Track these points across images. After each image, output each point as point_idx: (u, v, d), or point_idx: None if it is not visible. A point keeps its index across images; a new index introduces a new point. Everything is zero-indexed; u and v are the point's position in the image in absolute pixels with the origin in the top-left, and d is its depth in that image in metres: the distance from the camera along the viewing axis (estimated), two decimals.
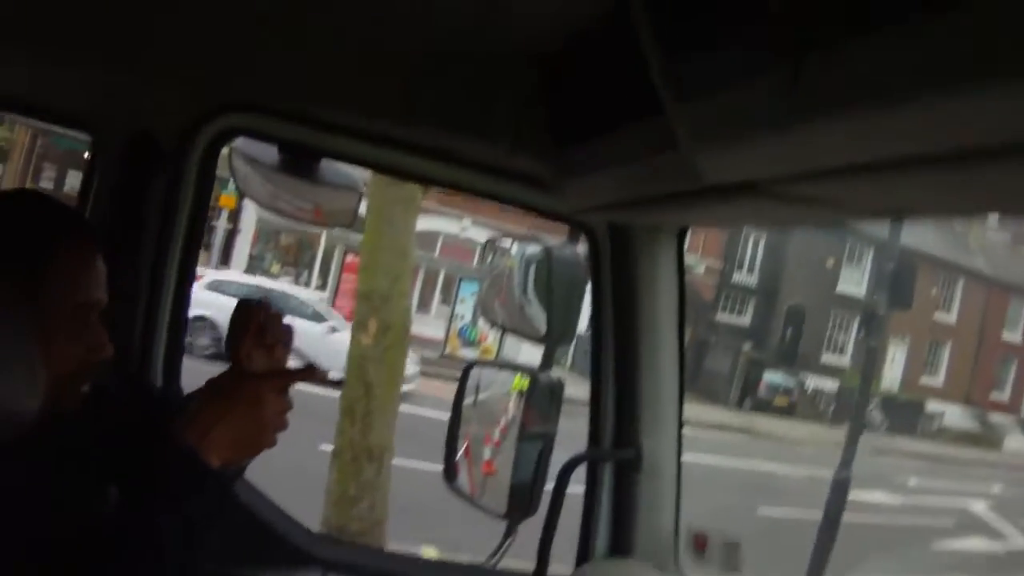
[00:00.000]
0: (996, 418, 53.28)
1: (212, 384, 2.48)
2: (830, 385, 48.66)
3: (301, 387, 2.56)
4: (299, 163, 3.50)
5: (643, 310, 3.42)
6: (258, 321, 2.59)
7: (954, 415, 51.26)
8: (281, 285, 35.02)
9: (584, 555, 3.59)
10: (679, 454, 3.52)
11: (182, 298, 3.54)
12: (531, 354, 3.61)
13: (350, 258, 33.24)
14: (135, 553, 2.22)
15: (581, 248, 3.50)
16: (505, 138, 3.03)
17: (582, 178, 2.70)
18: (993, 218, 53.70)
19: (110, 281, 2.45)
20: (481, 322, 35.56)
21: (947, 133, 1.24)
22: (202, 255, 35.25)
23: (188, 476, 2.30)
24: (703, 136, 1.74)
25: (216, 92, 3.34)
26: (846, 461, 17.98)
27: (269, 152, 3.49)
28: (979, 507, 28.72)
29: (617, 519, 3.55)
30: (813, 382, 49.34)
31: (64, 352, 2.30)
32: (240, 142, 3.55)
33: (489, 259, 3.82)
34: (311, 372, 2.56)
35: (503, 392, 3.75)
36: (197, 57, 3.04)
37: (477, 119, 3.05)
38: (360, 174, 4.00)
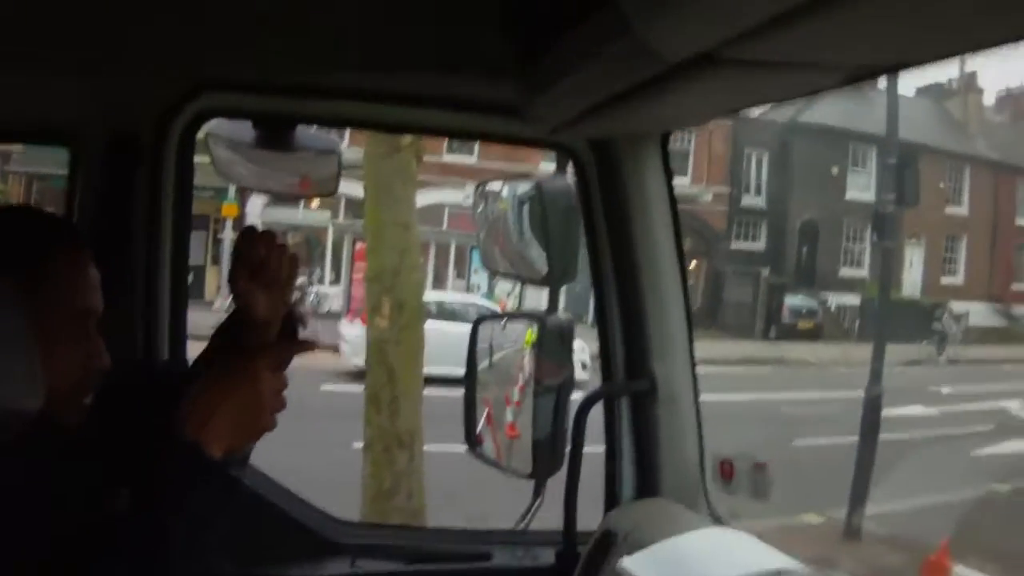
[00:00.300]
0: (1021, 311, 53.17)
1: (207, 369, 2.47)
2: (853, 300, 48.70)
3: (325, 387, 2.51)
4: (275, 135, 3.44)
5: (637, 226, 3.34)
6: (259, 255, 2.56)
7: (979, 313, 51.11)
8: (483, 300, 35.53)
9: (612, 501, 3.52)
10: (695, 379, 3.44)
11: (179, 296, 3.50)
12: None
13: (359, 246, 33.31)
14: (139, 555, 2.20)
15: (572, 178, 3.41)
16: (471, 70, 2.96)
17: (551, 92, 2.61)
18: (990, 98, 53.45)
19: (105, 285, 2.45)
20: (499, 289, 35.69)
21: None
22: (213, 269, 35.61)
23: (191, 470, 2.25)
24: (647, 8, 1.68)
25: (181, 78, 3.27)
26: (875, 376, 17.93)
27: (246, 132, 3.43)
28: (1015, 405, 28.69)
29: (640, 458, 3.48)
30: (835, 299, 49.38)
31: (65, 360, 2.29)
32: (216, 128, 3.49)
33: (481, 206, 3.72)
34: (305, 345, 2.51)
35: (517, 348, 3.68)
36: (157, 47, 2.96)
37: (438, 55, 2.97)
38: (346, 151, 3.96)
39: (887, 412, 17.93)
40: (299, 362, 2.55)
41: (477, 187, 3.79)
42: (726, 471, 3.33)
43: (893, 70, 1.93)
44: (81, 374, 2.35)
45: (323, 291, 40.48)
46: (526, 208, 3.34)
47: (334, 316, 36.24)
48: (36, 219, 2.45)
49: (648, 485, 3.45)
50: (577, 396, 3.36)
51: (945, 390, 31.53)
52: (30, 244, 2.32)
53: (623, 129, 3.14)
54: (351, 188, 3.37)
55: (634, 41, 1.76)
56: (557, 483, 3.44)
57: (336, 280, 41.81)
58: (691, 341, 3.44)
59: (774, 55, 1.69)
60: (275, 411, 2.38)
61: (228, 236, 37.77)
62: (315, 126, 3.66)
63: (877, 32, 1.53)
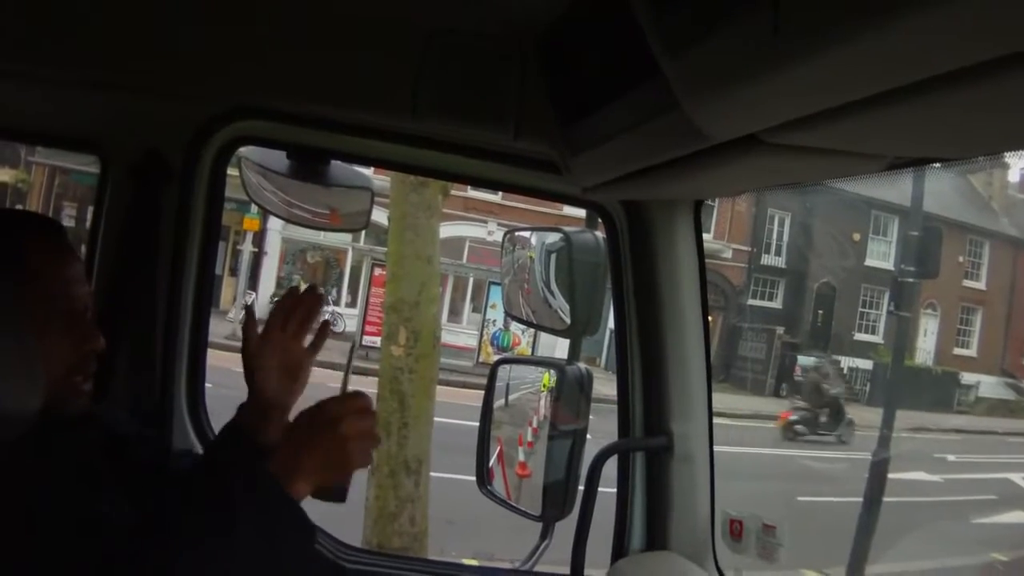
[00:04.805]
0: None
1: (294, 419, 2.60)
2: (865, 364, 48.25)
3: None
4: (309, 167, 3.46)
5: (664, 288, 3.36)
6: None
7: (989, 385, 50.61)
8: None
9: (620, 551, 3.53)
10: (711, 438, 3.44)
11: (201, 316, 3.54)
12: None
13: (378, 272, 33.16)
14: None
15: (600, 233, 3.43)
16: (510, 123, 2.98)
17: (590, 153, 2.64)
18: (1015, 175, 52.86)
19: (129, 293, 2.48)
20: (514, 326, 35.50)
21: (940, 54, 1.20)
22: (230, 280, 35.53)
23: (276, 512, 2.41)
24: (698, 90, 1.71)
25: (218, 101, 3.30)
26: (883, 442, 17.81)
27: (279, 160, 3.45)
28: (1019, 479, 28.48)
29: (651, 511, 3.48)
30: (848, 362, 48.89)
31: (56, 347, 2.36)
32: (249, 152, 3.52)
33: (509, 253, 3.74)
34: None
35: (533, 390, 3.70)
36: (198, 69, 3.00)
37: (481, 106, 3.00)
38: (375, 178, 3.96)
39: (891, 475, 17.84)
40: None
41: (506, 234, 3.81)
42: (735, 530, 3.34)
43: (933, 162, 1.95)
44: (76, 358, 2.42)
45: (339, 311, 40.37)
46: (553, 258, 3.36)
47: (348, 337, 36.22)
48: (15, 218, 2.56)
49: (657, 538, 3.45)
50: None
51: (951, 458, 31.35)
52: (12, 242, 2.39)
53: (658, 195, 3.15)
54: (374, 215, 3.38)
55: (680, 118, 1.78)
56: (564, 523, 3.46)
57: (352, 303, 41.60)
58: (710, 402, 3.44)
59: (817, 142, 1.72)
60: (366, 448, 2.59)
61: (247, 248, 37.75)
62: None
63: (920, 128, 1.55)
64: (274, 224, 37.75)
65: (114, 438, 2.67)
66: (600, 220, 3.50)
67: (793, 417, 30.92)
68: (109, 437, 2.64)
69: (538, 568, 3.67)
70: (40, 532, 2.16)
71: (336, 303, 41.67)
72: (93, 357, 2.48)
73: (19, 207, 34.55)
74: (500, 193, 37.11)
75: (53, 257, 2.44)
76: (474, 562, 10.76)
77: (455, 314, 41.38)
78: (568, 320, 3.27)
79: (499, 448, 3.63)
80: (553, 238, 3.39)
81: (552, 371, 3.48)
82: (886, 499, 17.07)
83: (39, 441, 2.24)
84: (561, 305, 3.29)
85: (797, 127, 1.61)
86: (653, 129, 2.09)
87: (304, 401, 2.72)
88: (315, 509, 3.67)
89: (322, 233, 36.47)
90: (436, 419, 11.61)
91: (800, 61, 1.33)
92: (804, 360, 45.64)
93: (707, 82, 1.66)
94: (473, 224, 41.12)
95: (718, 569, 3.44)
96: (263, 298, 38.55)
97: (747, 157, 1.89)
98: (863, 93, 1.39)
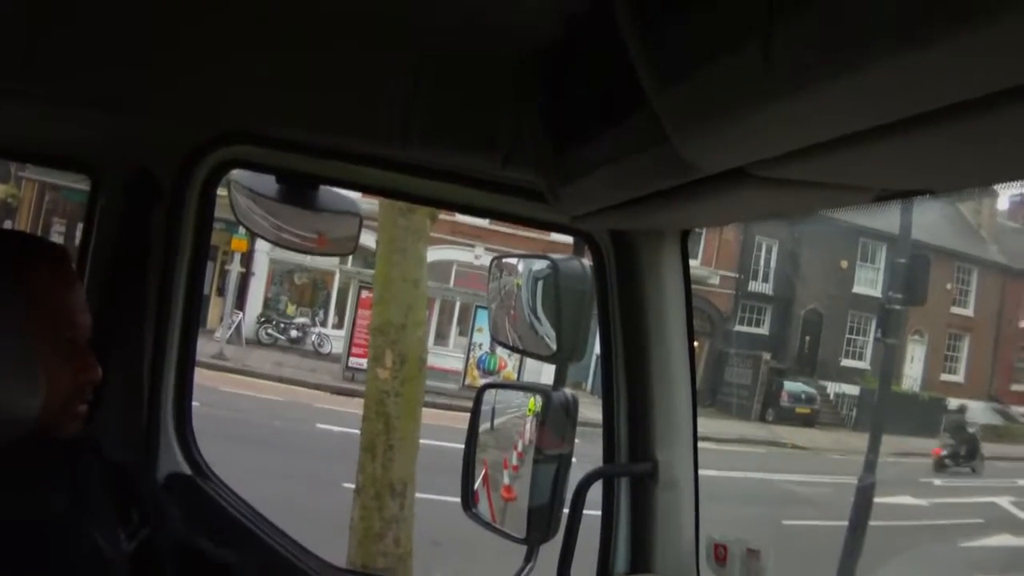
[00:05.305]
0: (1019, 410, 52.58)
1: None
2: (851, 390, 48.26)
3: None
4: (298, 192, 3.48)
5: (651, 317, 3.36)
6: None
7: (976, 410, 50.61)
8: None
9: (604, 575, 3.53)
10: (695, 464, 3.45)
11: (189, 336, 3.55)
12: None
13: (365, 294, 33.22)
14: None
15: (587, 261, 3.44)
16: (499, 151, 2.99)
17: (578, 182, 2.64)
18: (1004, 203, 52.87)
19: (118, 312, 2.47)
20: (500, 350, 35.50)
21: (928, 90, 1.22)
22: (217, 300, 35.56)
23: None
24: (687, 123, 1.72)
25: (209, 125, 3.31)
26: (869, 466, 17.85)
27: (268, 184, 3.46)
28: (1006, 502, 28.55)
29: (636, 536, 3.48)
30: (834, 388, 48.95)
31: (55, 376, 2.33)
32: (239, 175, 3.53)
33: (496, 279, 3.75)
34: None
35: (519, 415, 3.71)
36: (191, 94, 3.01)
37: (471, 135, 3.01)
38: (363, 202, 3.97)
39: (877, 500, 17.87)
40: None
41: (493, 260, 3.78)
42: (720, 555, 3.35)
43: (921, 194, 1.97)
44: (74, 387, 2.40)
45: (325, 333, 40.45)
46: (540, 285, 3.35)
47: (335, 358, 36.27)
48: (15, 241, 2.52)
49: (641, 562, 3.45)
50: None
51: (937, 482, 31.41)
52: (10, 266, 2.37)
53: (645, 224, 3.17)
54: (362, 237, 3.40)
55: (669, 151, 1.79)
56: (548, 546, 3.46)
57: (339, 324, 41.64)
58: (695, 429, 3.45)
59: (805, 175, 1.73)
60: None
61: (235, 268, 37.80)
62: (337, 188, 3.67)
63: (909, 161, 1.56)
64: (262, 245, 37.76)
65: (107, 461, 2.67)
66: (587, 248, 3.51)
67: (944, 452, 32.01)
68: (103, 460, 2.65)
69: None
70: (37, 555, 2.16)
71: (323, 325, 41.72)
72: (90, 387, 2.47)
73: (8, 223, 34.66)
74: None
75: (57, 284, 2.42)
76: None
77: (442, 337, 41.36)
78: (554, 346, 3.26)
79: (485, 471, 3.64)
80: (540, 265, 3.38)
81: (538, 396, 3.49)
82: (873, 523, 17.10)
83: (35, 465, 2.25)
84: (547, 331, 3.29)
85: (785, 161, 1.62)
86: (642, 161, 2.10)
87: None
88: (299, 529, 3.70)
89: (308, 256, 36.50)
90: (422, 441, 11.62)
91: (790, 96, 1.35)
92: (791, 386, 45.77)
93: (696, 117, 1.67)
94: (460, 248, 41.19)
95: None
96: (250, 319, 38.59)
97: (735, 190, 1.90)
98: (853, 128, 1.41)
